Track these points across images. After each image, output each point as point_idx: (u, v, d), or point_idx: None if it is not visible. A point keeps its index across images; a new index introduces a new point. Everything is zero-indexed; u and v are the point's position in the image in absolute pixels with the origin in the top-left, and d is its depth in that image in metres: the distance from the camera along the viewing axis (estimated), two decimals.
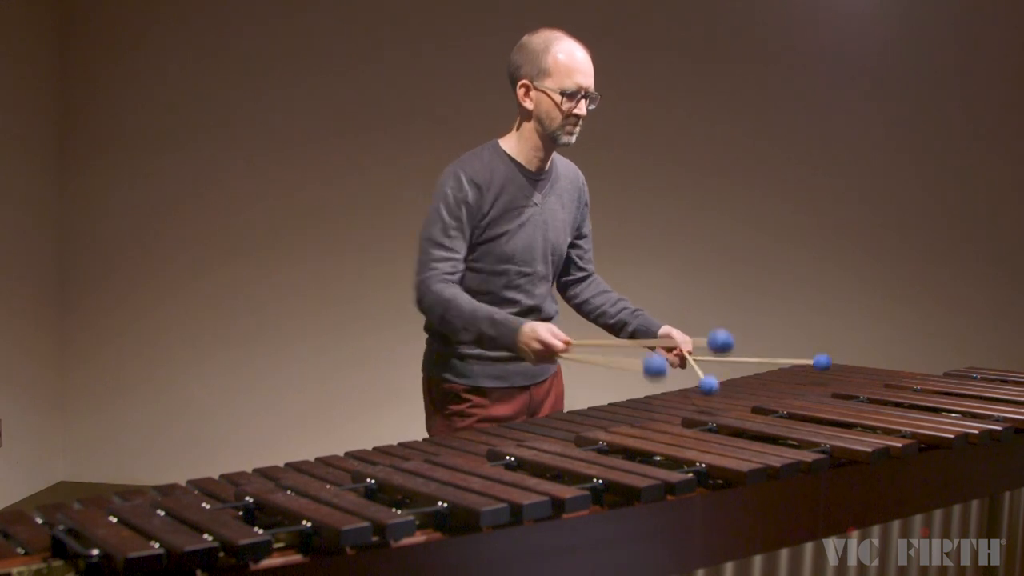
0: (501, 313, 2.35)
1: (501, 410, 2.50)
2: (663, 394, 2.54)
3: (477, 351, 2.47)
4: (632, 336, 2.58)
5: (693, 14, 4.53)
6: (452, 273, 2.38)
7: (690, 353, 2.45)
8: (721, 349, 2.36)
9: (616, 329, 2.64)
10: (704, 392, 2.27)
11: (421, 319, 2.50)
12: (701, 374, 2.33)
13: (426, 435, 2.37)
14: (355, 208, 4.77)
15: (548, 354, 2.27)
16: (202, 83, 4.84)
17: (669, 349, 2.49)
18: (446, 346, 2.50)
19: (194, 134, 4.85)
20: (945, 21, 4.38)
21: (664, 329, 2.52)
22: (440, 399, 2.52)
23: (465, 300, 2.34)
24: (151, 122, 4.88)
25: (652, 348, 2.45)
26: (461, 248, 2.40)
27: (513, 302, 2.47)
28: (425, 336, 2.59)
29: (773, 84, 4.50)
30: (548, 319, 2.53)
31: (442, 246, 2.38)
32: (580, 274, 2.69)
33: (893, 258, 4.47)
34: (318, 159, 4.78)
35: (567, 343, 2.26)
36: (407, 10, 4.71)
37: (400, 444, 2.10)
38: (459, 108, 4.61)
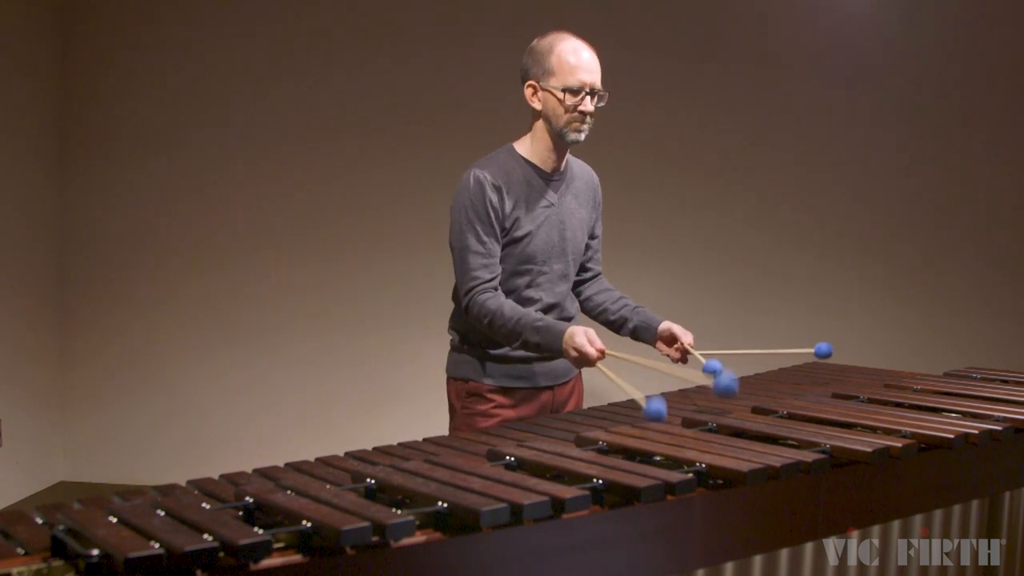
0: (545, 319, 2.39)
1: (525, 410, 2.54)
2: (663, 394, 2.53)
3: (500, 351, 2.50)
4: (633, 332, 2.62)
5: (693, 16, 4.53)
6: (492, 279, 2.42)
7: (691, 346, 2.48)
8: (725, 392, 2.25)
9: (617, 326, 2.67)
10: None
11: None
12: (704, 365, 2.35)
13: (426, 435, 2.37)
14: (355, 208, 4.77)
15: (584, 361, 2.31)
16: (202, 84, 4.84)
17: (671, 343, 2.52)
18: (470, 346, 2.54)
19: (194, 134, 4.84)
20: (945, 22, 4.38)
21: (664, 324, 2.55)
22: (464, 399, 2.55)
23: (509, 309, 2.38)
24: (151, 122, 4.88)
25: (654, 345, 2.55)
26: (496, 250, 2.44)
27: (534, 300, 2.50)
28: (448, 338, 2.61)
29: (773, 85, 4.50)
30: (569, 318, 2.57)
31: (478, 253, 2.41)
32: (587, 274, 2.72)
33: (893, 258, 4.47)
34: (317, 160, 4.78)
35: (601, 352, 2.29)
36: (408, 11, 4.71)
37: (400, 444, 2.10)
38: (461, 109, 4.62)
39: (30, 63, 4.74)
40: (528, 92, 2.46)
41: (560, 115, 2.41)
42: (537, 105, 2.45)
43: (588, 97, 2.41)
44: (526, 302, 2.48)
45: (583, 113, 2.41)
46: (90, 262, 4.94)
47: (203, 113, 4.84)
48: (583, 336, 2.29)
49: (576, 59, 2.40)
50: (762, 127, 4.52)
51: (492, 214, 2.42)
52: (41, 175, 4.83)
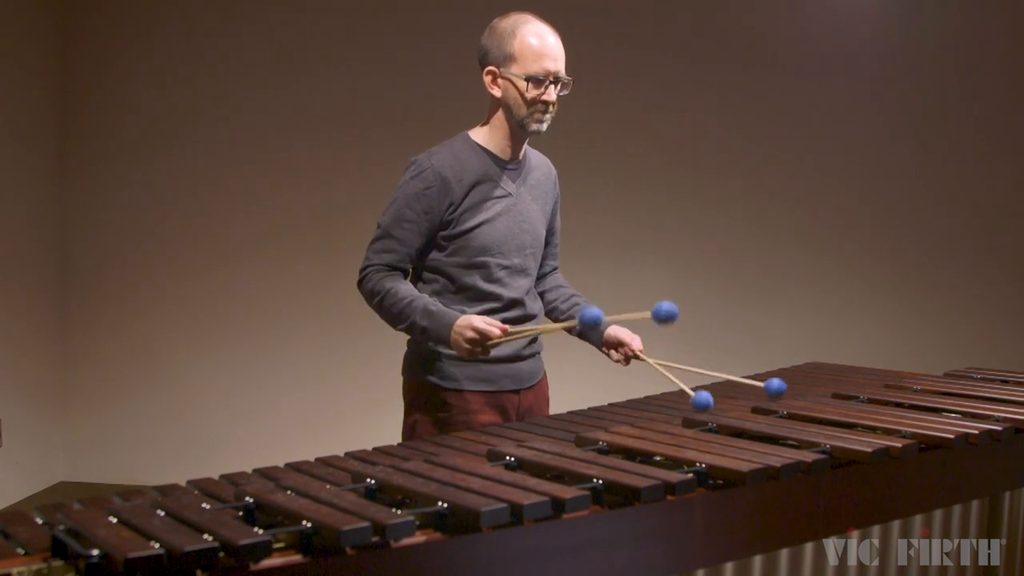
0: (438, 305, 2.29)
1: (488, 415, 2.40)
2: (663, 394, 2.53)
3: None
4: (581, 333, 2.49)
5: (692, 13, 4.53)
6: (394, 266, 2.34)
7: (641, 351, 2.42)
8: (665, 319, 2.13)
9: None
10: (698, 408, 2.18)
11: None
12: (686, 388, 2.28)
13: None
14: (355, 208, 4.75)
15: (481, 342, 2.21)
16: (202, 85, 4.84)
17: (617, 347, 2.45)
18: (430, 347, 2.40)
19: (194, 134, 4.85)
20: (946, 21, 4.38)
21: (612, 330, 2.44)
22: (423, 403, 2.43)
23: (403, 290, 2.30)
24: (151, 122, 4.88)
25: (600, 348, 2.49)
26: (412, 241, 2.34)
27: (494, 296, 2.40)
28: (407, 337, 2.49)
29: (774, 84, 4.50)
30: (532, 317, 2.47)
31: (391, 236, 2.34)
32: (542, 270, 2.61)
33: (893, 258, 4.47)
34: (317, 160, 4.78)
35: (504, 330, 2.21)
36: (407, 11, 4.71)
37: (400, 444, 2.10)
38: (460, 108, 4.58)
39: (30, 63, 4.74)
40: (487, 79, 2.34)
41: (521, 105, 2.30)
42: (497, 92, 2.33)
43: (552, 86, 2.30)
44: (486, 298, 2.37)
45: (545, 103, 2.31)
46: (90, 262, 4.94)
47: (203, 113, 4.84)
48: (481, 320, 2.21)
49: (541, 44, 2.28)
50: (762, 126, 4.52)
51: (423, 204, 2.32)
52: (41, 175, 4.83)
